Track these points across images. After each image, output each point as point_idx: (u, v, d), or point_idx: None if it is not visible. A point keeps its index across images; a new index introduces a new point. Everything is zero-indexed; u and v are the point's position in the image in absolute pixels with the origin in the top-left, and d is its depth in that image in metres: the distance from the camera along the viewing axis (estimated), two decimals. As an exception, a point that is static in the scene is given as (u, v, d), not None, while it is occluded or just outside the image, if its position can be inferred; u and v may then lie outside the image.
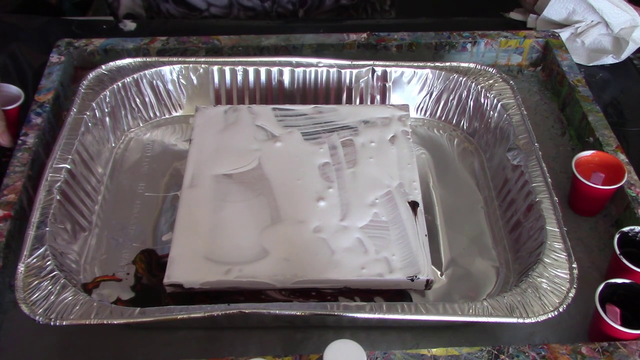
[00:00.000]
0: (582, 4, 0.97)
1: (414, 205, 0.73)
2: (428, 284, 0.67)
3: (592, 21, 0.98)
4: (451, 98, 0.88)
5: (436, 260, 0.72)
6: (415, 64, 0.87)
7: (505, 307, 0.62)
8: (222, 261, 0.67)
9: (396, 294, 0.69)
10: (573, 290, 0.63)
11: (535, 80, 0.99)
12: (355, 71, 0.87)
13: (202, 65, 0.87)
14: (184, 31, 0.99)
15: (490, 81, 0.85)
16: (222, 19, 1.17)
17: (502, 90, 0.84)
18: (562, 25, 1.01)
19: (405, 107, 0.85)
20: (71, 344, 0.66)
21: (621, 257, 0.66)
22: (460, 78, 0.86)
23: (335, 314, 0.61)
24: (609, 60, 0.99)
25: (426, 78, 0.87)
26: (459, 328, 0.68)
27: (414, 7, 1.48)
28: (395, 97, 0.89)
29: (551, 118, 0.92)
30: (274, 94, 0.89)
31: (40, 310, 0.60)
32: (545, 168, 0.74)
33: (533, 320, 0.61)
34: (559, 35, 0.99)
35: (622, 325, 0.61)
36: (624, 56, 0.99)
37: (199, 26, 1.08)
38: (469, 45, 0.98)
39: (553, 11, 1.00)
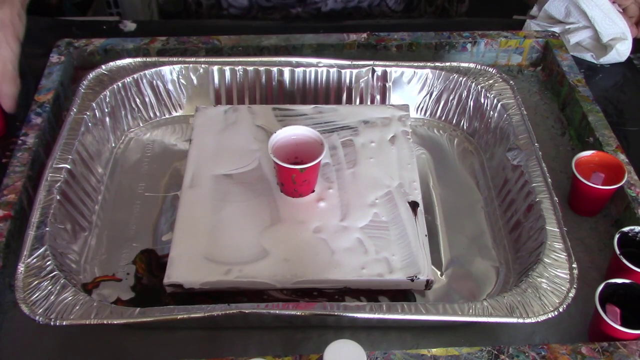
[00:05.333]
0: (577, 9, 0.99)
1: (414, 205, 0.73)
2: (428, 284, 0.67)
3: (584, 25, 1.00)
4: (451, 98, 0.88)
5: (436, 260, 0.72)
6: (415, 64, 0.87)
7: (505, 307, 0.62)
8: (222, 261, 0.67)
9: (400, 293, 0.69)
10: (573, 290, 0.63)
11: (535, 80, 0.99)
12: (355, 71, 0.87)
13: (202, 65, 0.87)
14: (184, 31, 0.99)
15: (490, 81, 0.85)
16: (222, 19, 1.17)
17: (502, 90, 0.84)
18: (559, 22, 1.02)
19: (405, 107, 0.85)
20: (71, 344, 0.66)
21: (621, 257, 0.66)
22: (460, 78, 0.86)
23: (335, 314, 0.61)
24: (588, 57, 1.01)
25: (426, 78, 0.87)
26: (459, 328, 0.68)
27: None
28: (395, 97, 0.89)
29: (551, 118, 0.92)
30: (274, 94, 0.89)
31: (40, 310, 0.60)
32: (545, 168, 0.74)
33: (533, 320, 0.61)
34: (559, 35, 0.99)
35: (622, 325, 0.61)
36: (602, 60, 1.00)
37: (199, 26, 1.08)
38: (469, 45, 0.98)
39: (553, 7, 1.02)
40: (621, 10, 0.98)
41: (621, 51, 0.99)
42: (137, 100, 0.87)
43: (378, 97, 0.89)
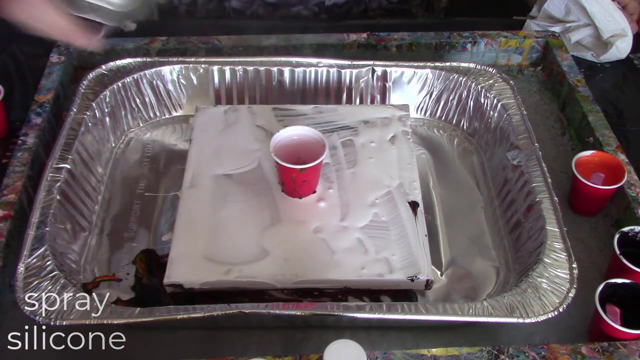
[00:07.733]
0: (577, 6, 0.99)
1: (414, 205, 0.73)
2: (428, 284, 0.67)
3: (584, 23, 1.00)
4: (451, 98, 0.88)
5: (436, 260, 0.72)
6: (415, 64, 0.87)
7: (505, 307, 0.62)
8: (222, 261, 0.67)
9: (402, 293, 0.69)
10: (573, 290, 0.63)
11: (535, 80, 0.99)
12: (355, 71, 0.87)
13: (202, 65, 0.87)
14: (184, 31, 0.99)
15: (490, 81, 0.85)
16: (222, 19, 1.17)
17: (502, 90, 0.84)
18: (560, 21, 1.02)
19: (405, 107, 0.85)
20: (71, 344, 0.65)
21: (621, 257, 0.66)
22: (460, 78, 0.86)
23: (335, 314, 0.61)
24: (588, 56, 1.01)
25: (426, 78, 0.87)
26: (459, 328, 0.68)
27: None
28: (395, 97, 0.89)
29: (551, 118, 0.92)
30: (274, 94, 0.89)
31: (40, 310, 0.60)
32: (545, 168, 0.74)
33: (533, 320, 0.61)
34: (559, 35, 0.99)
35: (622, 325, 0.61)
36: (602, 59, 1.00)
37: (199, 26, 1.08)
38: (469, 45, 0.98)
39: (553, 6, 1.02)
40: (621, 8, 0.98)
41: (621, 48, 0.98)
42: (137, 100, 0.87)
43: (378, 97, 0.89)
